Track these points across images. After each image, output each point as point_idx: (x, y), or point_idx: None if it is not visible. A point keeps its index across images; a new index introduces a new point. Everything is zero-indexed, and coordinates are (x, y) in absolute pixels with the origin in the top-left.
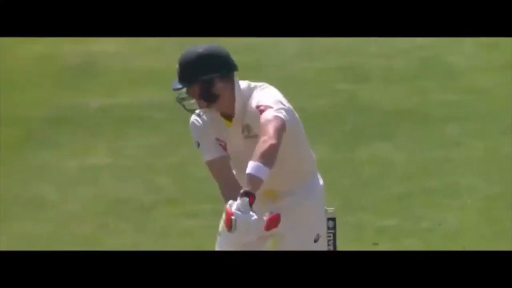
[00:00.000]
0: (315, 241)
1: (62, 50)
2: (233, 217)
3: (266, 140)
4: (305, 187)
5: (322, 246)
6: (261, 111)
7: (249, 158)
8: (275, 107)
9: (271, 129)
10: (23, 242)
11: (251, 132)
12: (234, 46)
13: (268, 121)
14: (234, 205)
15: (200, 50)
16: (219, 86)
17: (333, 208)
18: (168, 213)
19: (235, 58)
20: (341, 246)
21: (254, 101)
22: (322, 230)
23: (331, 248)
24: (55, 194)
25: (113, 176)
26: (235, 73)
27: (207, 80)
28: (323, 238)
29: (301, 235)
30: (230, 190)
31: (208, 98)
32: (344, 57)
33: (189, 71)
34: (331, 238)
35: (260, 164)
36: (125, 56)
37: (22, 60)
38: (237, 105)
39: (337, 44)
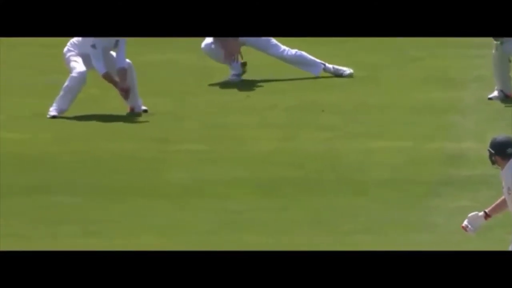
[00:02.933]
0: None
1: None
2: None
3: None
4: None
5: None
6: None
7: (509, 203)
8: None
9: None
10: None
11: (509, 191)
12: None
13: None
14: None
15: (498, 138)
16: (497, 158)
17: None
18: None
19: None
20: None
21: None
22: None
23: None
24: None
25: None
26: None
27: (491, 154)
28: None
29: None
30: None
31: (492, 163)
32: None
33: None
34: None
35: None
36: None
37: None
38: (503, 173)
39: None
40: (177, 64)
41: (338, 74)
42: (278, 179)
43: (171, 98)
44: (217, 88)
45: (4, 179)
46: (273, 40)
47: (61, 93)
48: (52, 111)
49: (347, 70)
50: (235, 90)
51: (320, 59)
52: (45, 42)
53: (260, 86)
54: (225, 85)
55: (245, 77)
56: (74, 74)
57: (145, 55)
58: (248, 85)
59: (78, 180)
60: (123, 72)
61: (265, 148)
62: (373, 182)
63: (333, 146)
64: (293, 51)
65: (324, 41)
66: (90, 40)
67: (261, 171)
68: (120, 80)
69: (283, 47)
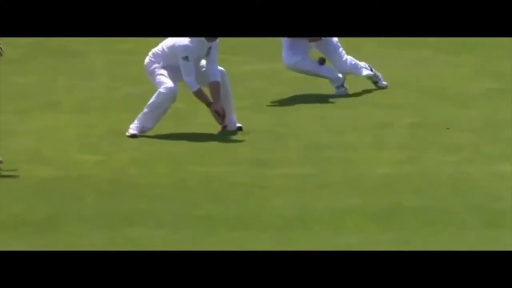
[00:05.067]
0: None
1: None
2: None
3: None
4: None
5: None
6: None
7: None
8: None
9: None
10: None
11: None
12: None
13: None
14: None
15: None
16: None
17: None
18: None
19: None
20: None
21: None
22: None
23: None
24: None
25: None
26: None
27: None
28: None
29: None
30: None
31: None
32: None
33: None
34: None
35: None
36: None
37: None
38: None
39: None
40: (276, 75)
41: (375, 80)
42: (397, 208)
43: (270, 113)
44: (322, 102)
45: (74, 207)
46: (340, 47)
47: (145, 109)
48: (133, 129)
49: (383, 81)
50: (342, 105)
51: (451, 68)
52: (126, 48)
53: (371, 100)
54: (331, 99)
55: (350, 90)
56: (162, 90)
57: (240, 65)
58: (356, 99)
59: (162, 209)
60: (217, 86)
61: (381, 172)
62: (508, 211)
63: (461, 169)
64: (349, 58)
65: (453, 49)
66: (181, 50)
67: (376, 198)
68: (213, 98)
69: (344, 55)
